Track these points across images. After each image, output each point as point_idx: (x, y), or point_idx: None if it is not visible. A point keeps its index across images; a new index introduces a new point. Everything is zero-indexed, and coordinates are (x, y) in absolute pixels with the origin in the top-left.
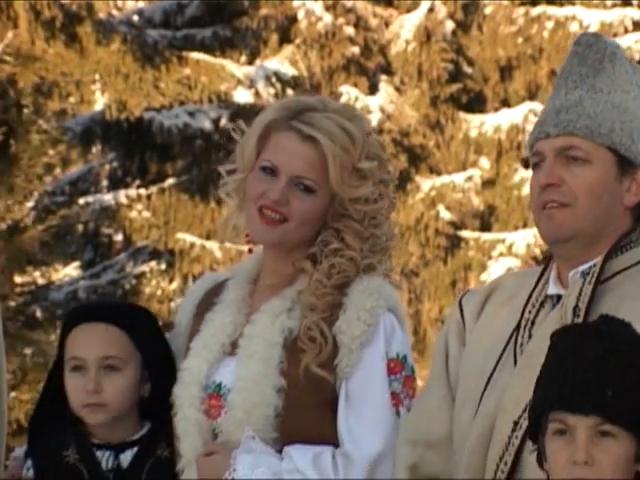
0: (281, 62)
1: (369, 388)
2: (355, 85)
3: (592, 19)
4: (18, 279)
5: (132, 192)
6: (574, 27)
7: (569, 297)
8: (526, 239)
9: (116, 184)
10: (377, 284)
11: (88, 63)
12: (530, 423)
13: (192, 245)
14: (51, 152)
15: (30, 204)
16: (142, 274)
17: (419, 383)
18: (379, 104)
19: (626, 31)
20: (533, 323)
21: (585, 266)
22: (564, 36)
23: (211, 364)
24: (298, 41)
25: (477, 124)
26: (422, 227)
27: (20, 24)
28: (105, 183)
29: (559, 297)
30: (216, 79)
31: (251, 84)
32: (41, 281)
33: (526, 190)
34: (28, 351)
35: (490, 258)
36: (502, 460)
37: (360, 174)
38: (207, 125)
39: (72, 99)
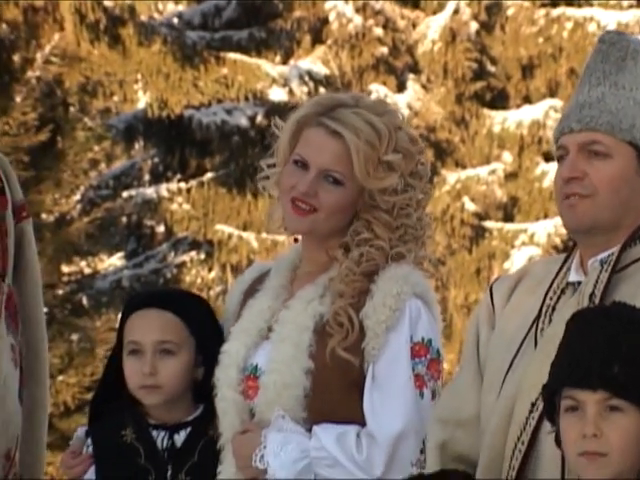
0: (314, 62)
1: (393, 370)
2: (384, 83)
3: (609, 19)
4: (65, 269)
5: (173, 186)
6: (592, 27)
7: (587, 284)
8: (547, 229)
9: (158, 178)
10: (404, 271)
11: (131, 63)
12: (545, 402)
13: (230, 236)
14: (96, 148)
15: (76, 198)
16: (182, 264)
17: (446, 366)
18: (407, 101)
19: None
20: (554, 309)
21: (604, 254)
22: (583, 36)
23: (249, 347)
24: (330, 42)
25: (500, 120)
26: (448, 218)
27: (66, 27)
28: (147, 177)
29: (580, 284)
30: (252, 78)
31: (285, 83)
32: (87, 270)
33: (546, 182)
34: (75, 337)
35: (513, 247)
36: (520, 440)
37: (386, 166)
38: (243, 122)
39: (116, 98)
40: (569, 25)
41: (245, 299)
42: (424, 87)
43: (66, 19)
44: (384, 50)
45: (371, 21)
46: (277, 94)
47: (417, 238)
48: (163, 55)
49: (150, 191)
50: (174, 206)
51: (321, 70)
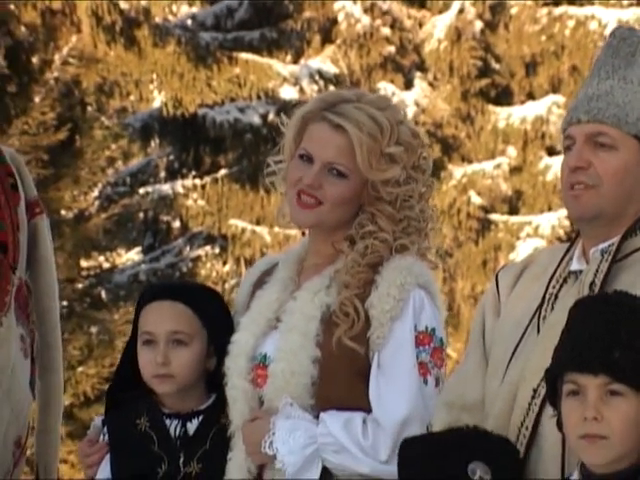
0: (323, 61)
1: (398, 358)
2: (392, 81)
3: (610, 17)
4: (84, 263)
5: (188, 182)
6: (593, 25)
7: (587, 273)
8: (551, 221)
9: (173, 175)
10: (408, 262)
11: (146, 64)
12: (547, 387)
13: (243, 230)
14: (113, 146)
15: (94, 194)
16: (198, 258)
17: (453, 355)
18: (414, 99)
19: None
20: (556, 297)
21: (605, 244)
22: (584, 34)
23: (257, 337)
24: (339, 41)
25: (505, 116)
26: (455, 211)
27: (83, 29)
28: (163, 174)
29: (581, 273)
30: (264, 77)
31: (296, 82)
32: (105, 265)
33: (550, 176)
34: (94, 330)
35: (518, 239)
36: (523, 425)
37: (389, 158)
38: (256, 120)
39: (132, 97)
40: (571, 23)
41: (254, 291)
42: (431, 84)
43: (83, 21)
44: (391, 49)
45: (379, 21)
46: (288, 92)
47: (420, 230)
48: (177, 55)
49: (166, 187)
50: (189, 202)
51: (330, 69)
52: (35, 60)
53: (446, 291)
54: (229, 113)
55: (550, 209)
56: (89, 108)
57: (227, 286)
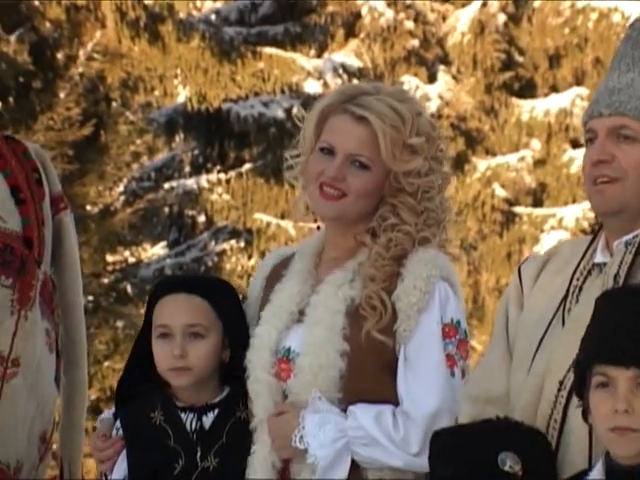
0: (347, 55)
1: (426, 351)
2: (415, 75)
3: (633, 10)
4: (110, 258)
5: (213, 177)
6: (617, 18)
7: (611, 266)
8: (575, 213)
9: (198, 170)
10: (432, 255)
11: (170, 59)
12: (575, 379)
13: (268, 224)
14: (138, 141)
15: (119, 189)
16: (223, 252)
17: (478, 347)
18: (438, 92)
19: None
20: (581, 289)
21: (629, 236)
22: (607, 26)
23: (280, 331)
24: (362, 35)
25: (528, 109)
26: (479, 204)
27: (107, 24)
28: (188, 169)
29: (605, 265)
30: (288, 72)
31: (320, 76)
32: (131, 260)
33: (574, 168)
34: (120, 324)
35: (542, 232)
36: (552, 418)
37: (411, 149)
38: (280, 114)
39: (156, 92)
40: (594, 16)
41: (269, 284)
42: (454, 78)
43: (107, 17)
44: (415, 43)
45: (402, 15)
46: (312, 87)
47: (439, 222)
48: (202, 50)
49: (191, 182)
50: (214, 196)
51: (354, 63)
52: (60, 56)
53: (471, 283)
54: (253, 107)
55: (574, 201)
56: (114, 103)
57: (252, 280)
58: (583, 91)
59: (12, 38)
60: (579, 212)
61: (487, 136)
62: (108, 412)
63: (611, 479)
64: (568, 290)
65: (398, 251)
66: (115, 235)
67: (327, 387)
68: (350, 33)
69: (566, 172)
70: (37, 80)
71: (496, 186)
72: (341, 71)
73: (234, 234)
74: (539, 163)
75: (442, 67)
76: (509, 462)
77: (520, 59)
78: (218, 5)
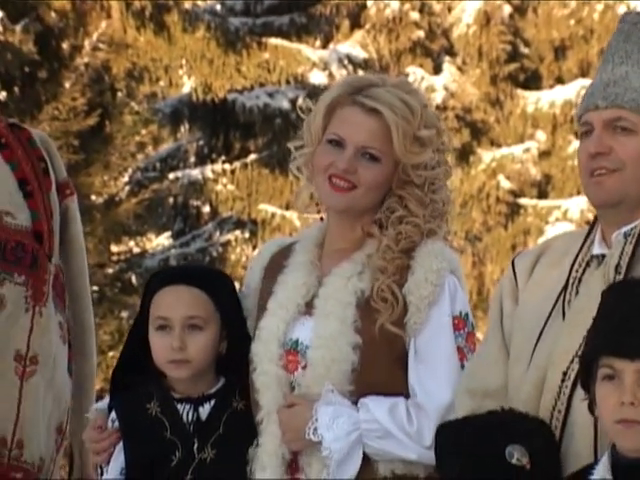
0: (352, 46)
1: (437, 344)
2: (421, 66)
3: (638, 1)
4: (115, 248)
5: (218, 167)
6: (622, 9)
7: (612, 256)
8: (580, 205)
9: (203, 160)
10: (440, 247)
11: (176, 49)
12: (581, 371)
13: (273, 215)
14: (143, 132)
15: (124, 179)
16: (228, 242)
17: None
18: (443, 83)
19: None
20: (580, 281)
21: (627, 227)
22: (613, 18)
23: (287, 323)
24: (368, 26)
25: (533, 100)
26: (484, 196)
27: (113, 14)
28: (193, 159)
29: (604, 256)
30: (293, 62)
31: (325, 66)
32: (136, 250)
33: None
34: (124, 314)
35: (547, 223)
36: (555, 409)
37: (420, 142)
38: (285, 105)
39: (161, 83)
40: (599, 7)
41: (269, 274)
42: (460, 69)
43: (113, 7)
44: (420, 34)
45: (407, 6)
46: (317, 77)
47: (443, 214)
48: (207, 41)
49: (196, 172)
50: (219, 187)
51: (360, 54)
52: (65, 46)
53: (475, 275)
54: (258, 98)
55: (579, 193)
56: (119, 94)
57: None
58: (588, 83)
59: (17, 28)
60: (584, 204)
61: (492, 127)
62: (101, 403)
63: (617, 472)
64: (567, 282)
65: (407, 244)
66: (120, 225)
67: (339, 380)
68: (355, 24)
69: (571, 164)
70: (42, 70)
71: (501, 178)
72: (346, 62)
73: (239, 225)
74: (544, 155)
75: (447, 58)
76: (517, 455)
77: (525, 50)
78: None
